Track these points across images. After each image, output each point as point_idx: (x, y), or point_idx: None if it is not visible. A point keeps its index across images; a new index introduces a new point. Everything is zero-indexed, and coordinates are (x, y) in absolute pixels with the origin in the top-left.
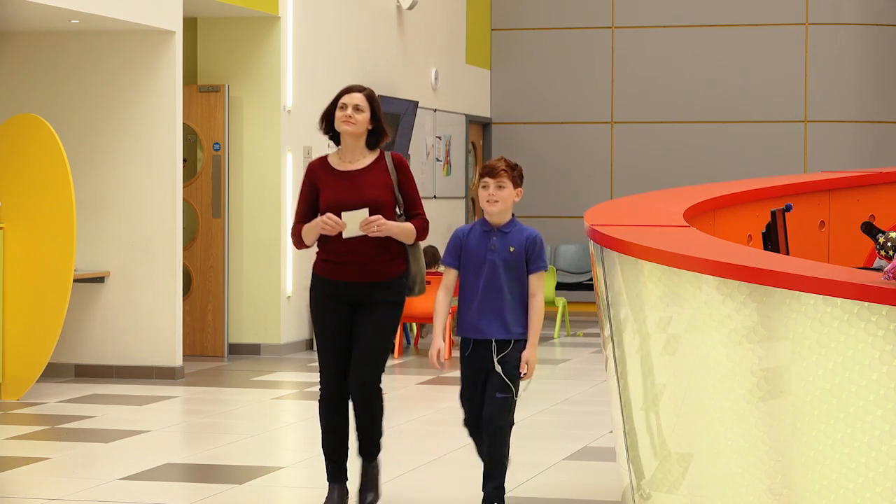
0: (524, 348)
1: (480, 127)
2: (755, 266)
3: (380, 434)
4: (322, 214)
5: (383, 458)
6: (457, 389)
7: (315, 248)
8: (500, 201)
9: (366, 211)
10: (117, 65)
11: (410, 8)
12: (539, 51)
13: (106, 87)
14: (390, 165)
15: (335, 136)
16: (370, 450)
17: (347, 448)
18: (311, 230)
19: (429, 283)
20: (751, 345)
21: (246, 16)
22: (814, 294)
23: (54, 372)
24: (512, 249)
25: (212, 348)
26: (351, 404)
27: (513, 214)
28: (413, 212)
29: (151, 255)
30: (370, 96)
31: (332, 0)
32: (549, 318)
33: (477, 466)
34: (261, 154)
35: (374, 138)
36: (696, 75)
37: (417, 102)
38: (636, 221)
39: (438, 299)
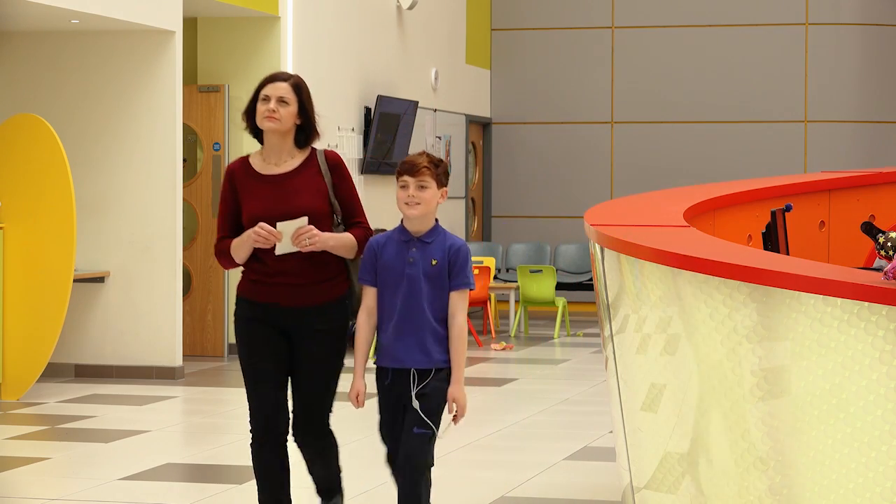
0: (448, 378)
1: (480, 127)
2: (755, 266)
3: (337, 474)
4: (247, 228)
5: (380, 457)
6: None
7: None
8: (421, 203)
9: (304, 220)
10: (117, 65)
11: (410, 8)
12: (539, 51)
13: (106, 87)
14: (323, 166)
15: (260, 135)
16: (330, 486)
17: (290, 499)
18: (242, 245)
19: None
20: (751, 345)
21: (246, 16)
22: (814, 294)
23: (54, 372)
24: (434, 262)
25: (212, 348)
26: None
27: (436, 220)
28: (352, 220)
29: (151, 255)
30: (297, 85)
31: (332, 0)
32: (549, 318)
33: (477, 466)
34: None
35: (303, 135)
36: (696, 75)
37: (417, 102)
38: (636, 221)
39: (359, 326)
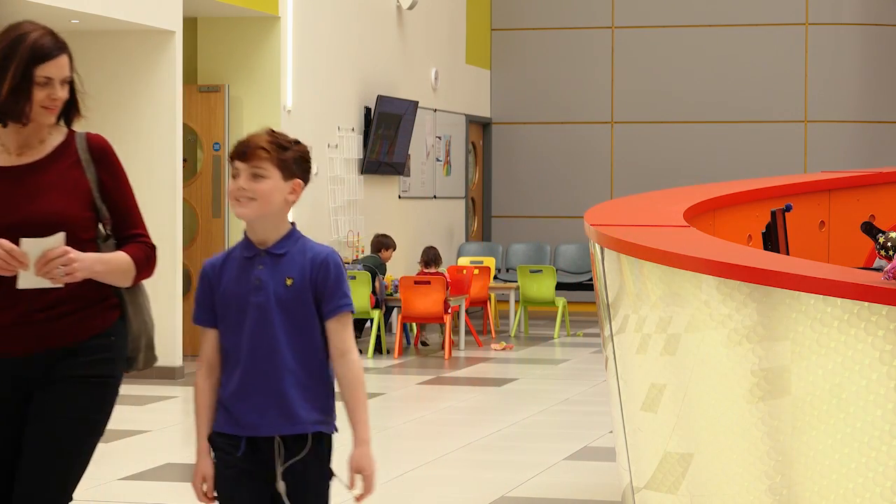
0: (328, 447)
1: (480, 127)
2: (755, 266)
3: None
4: None
5: (381, 457)
6: (457, 388)
7: None
8: (257, 199)
9: (60, 238)
10: (117, 65)
11: (410, 8)
12: (539, 51)
13: (106, 87)
14: (84, 155)
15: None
16: None
17: None
18: None
19: (427, 283)
20: (751, 345)
21: (246, 16)
22: (814, 294)
23: None
24: (289, 282)
25: None
26: None
27: (292, 224)
28: (127, 231)
29: None
30: (71, 54)
31: (331, 0)
32: (549, 318)
33: (477, 466)
34: None
35: (64, 113)
36: (696, 75)
37: (417, 102)
38: (636, 221)
39: (198, 387)
